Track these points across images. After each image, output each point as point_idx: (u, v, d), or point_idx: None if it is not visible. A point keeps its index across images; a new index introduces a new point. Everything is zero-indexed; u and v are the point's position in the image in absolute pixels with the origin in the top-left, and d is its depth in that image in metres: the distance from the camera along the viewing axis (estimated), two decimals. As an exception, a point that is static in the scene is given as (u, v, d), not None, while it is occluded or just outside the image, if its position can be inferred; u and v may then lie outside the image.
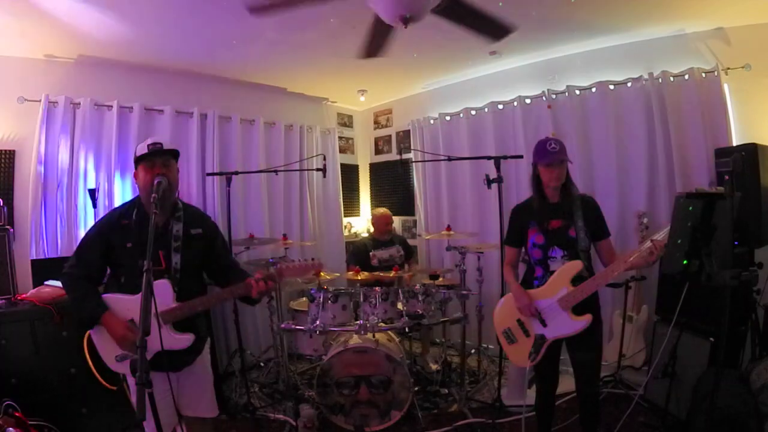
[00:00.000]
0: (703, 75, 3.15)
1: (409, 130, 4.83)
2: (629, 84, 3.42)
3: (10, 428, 2.01)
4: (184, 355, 1.77)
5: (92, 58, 3.34)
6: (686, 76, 3.19)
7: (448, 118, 4.42)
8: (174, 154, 1.82)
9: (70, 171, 3.23)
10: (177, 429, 1.76)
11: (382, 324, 2.80)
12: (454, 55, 3.85)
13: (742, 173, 2.49)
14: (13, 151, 3.09)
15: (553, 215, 2.12)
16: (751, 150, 2.57)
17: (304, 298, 3.32)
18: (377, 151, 5.42)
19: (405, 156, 4.51)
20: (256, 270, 1.88)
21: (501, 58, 3.93)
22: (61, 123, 3.18)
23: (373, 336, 2.86)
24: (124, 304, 1.71)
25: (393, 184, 5.21)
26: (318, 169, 3.38)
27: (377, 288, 2.91)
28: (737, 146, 2.83)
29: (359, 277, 3.23)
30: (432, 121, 4.56)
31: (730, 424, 1.98)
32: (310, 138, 4.75)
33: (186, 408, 1.87)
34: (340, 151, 5.19)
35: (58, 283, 2.61)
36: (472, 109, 4.23)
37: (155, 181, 1.65)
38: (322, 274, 3.16)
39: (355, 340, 2.90)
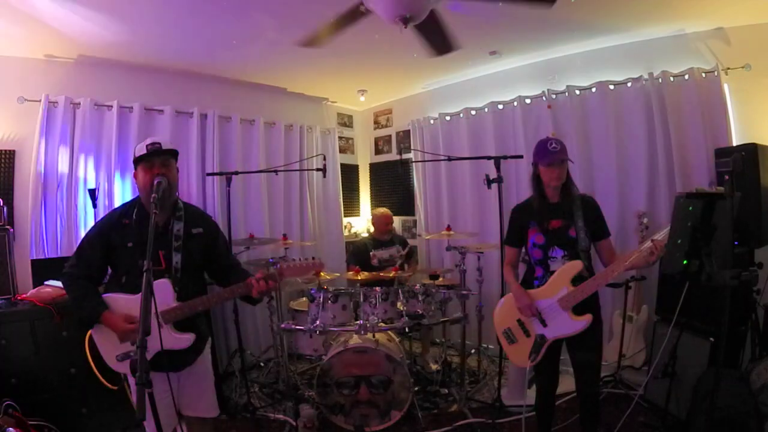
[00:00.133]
0: (703, 75, 3.15)
1: (409, 130, 4.83)
2: (629, 84, 3.42)
3: (10, 428, 2.01)
4: (186, 354, 1.77)
5: (92, 58, 3.34)
6: (686, 76, 3.19)
7: (448, 118, 4.42)
8: (173, 153, 1.82)
9: (70, 171, 3.23)
10: (177, 429, 1.76)
11: (382, 324, 2.80)
12: (454, 55, 3.80)
13: (742, 173, 2.49)
14: (13, 151, 3.09)
15: (553, 215, 2.12)
16: (751, 150, 2.57)
17: (304, 298, 3.32)
18: (377, 151, 5.42)
19: (405, 156, 4.51)
20: (256, 270, 1.88)
21: (501, 58, 3.93)
22: (61, 123, 3.18)
23: (373, 336, 2.86)
24: (125, 304, 1.71)
25: (393, 184, 5.21)
26: (318, 169, 3.38)
27: (377, 288, 2.91)
28: (737, 146, 2.83)
29: (359, 277, 3.23)
30: (432, 121, 4.56)
31: (730, 424, 1.98)
32: (310, 138, 4.75)
33: (187, 408, 1.87)
34: (340, 151, 5.19)
35: (58, 283, 2.62)
36: (472, 109, 4.23)
37: (155, 181, 1.65)
38: (322, 274, 3.16)
39: (355, 340, 2.90)
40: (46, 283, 2.70)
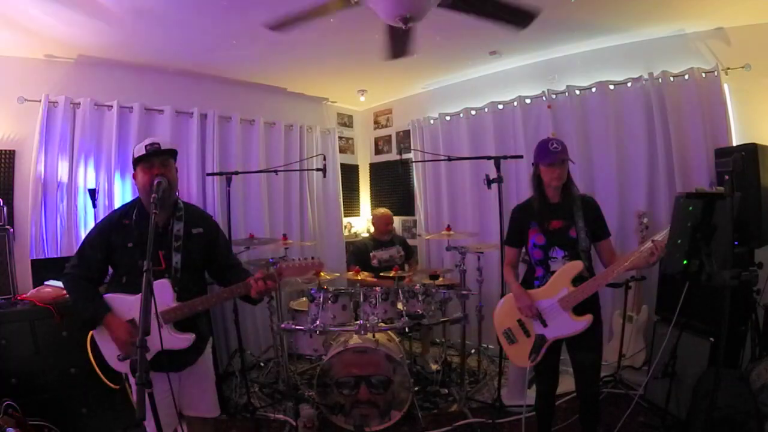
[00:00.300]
0: (703, 75, 3.15)
1: (409, 130, 4.83)
2: (629, 84, 3.42)
3: (10, 428, 2.01)
4: (187, 354, 1.77)
5: (92, 58, 3.34)
6: (686, 76, 3.19)
7: (448, 118, 4.42)
8: (172, 153, 1.82)
9: (70, 171, 3.23)
10: (178, 429, 1.76)
11: (382, 324, 2.80)
12: (454, 55, 3.85)
13: (742, 173, 2.48)
14: (13, 151, 3.09)
15: (553, 215, 2.12)
16: (751, 150, 2.57)
17: (304, 298, 3.32)
18: (377, 151, 5.42)
19: (405, 156, 4.51)
20: (256, 270, 1.88)
21: (501, 58, 3.93)
22: (61, 123, 3.18)
23: (373, 336, 2.86)
24: (126, 304, 1.72)
25: (393, 184, 5.21)
26: (318, 169, 3.38)
27: (377, 288, 2.91)
28: (737, 146, 2.83)
29: (359, 277, 3.23)
30: (432, 121, 4.56)
31: (730, 424, 1.98)
32: (310, 138, 4.75)
33: (187, 408, 1.87)
34: (340, 151, 5.19)
35: (59, 283, 2.62)
36: (472, 109, 4.23)
37: (155, 182, 1.66)
38: (322, 274, 3.16)
39: (355, 340, 2.90)
40: (46, 283, 2.71)
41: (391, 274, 3.27)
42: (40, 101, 3.10)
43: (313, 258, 1.93)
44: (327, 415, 2.81)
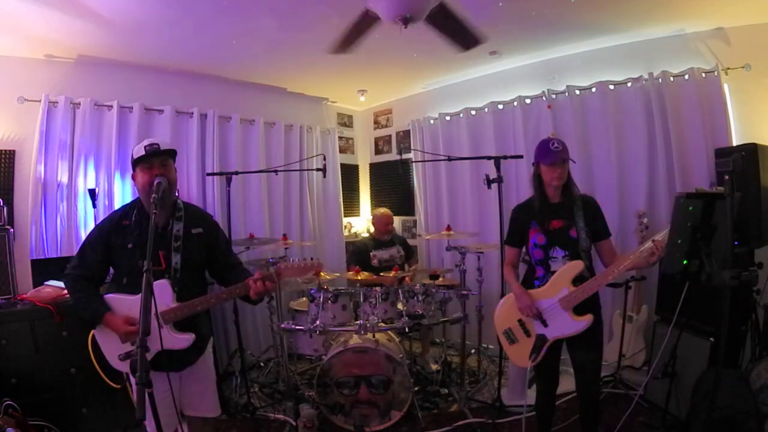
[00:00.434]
0: (703, 75, 3.15)
1: (409, 130, 4.83)
2: (629, 84, 3.42)
3: (10, 428, 2.01)
4: (187, 354, 1.78)
5: (92, 58, 3.34)
6: (686, 76, 3.19)
7: (448, 118, 4.42)
8: (171, 153, 1.82)
9: (70, 171, 3.23)
10: (178, 429, 1.76)
11: (382, 324, 2.80)
12: (454, 55, 3.82)
13: (742, 173, 2.48)
14: (13, 151, 3.09)
15: (554, 215, 2.12)
16: (751, 150, 2.57)
17: (304, 298, 3.32)
18: (377, 151, 5.42)
19: (405, 156, 4.51)
20: (256, 270, 1.88)
21: (501, 58, 3.93)
22: (61, 123, 3.18)
23: (373, 336, 2.86)
24: (126, 304, 1.72)
25: (393, 184, 5.21)
26: (318, 169, 3.38)
27: (377, 288, 2.91)
28: (737, 146, 2.83)
29: (359, 277, 3.23)
30: (432, 121, 4.56)
31: (730, 424, 1.98)
32: (310, 138, 4.75)
33: (188, 407, 1.88)
34: (340, 151, 5.19)
35: (59, 283, 2.62)
36: (472, 109, 4.23)
37: (155, 182, 1.66)
38: (322, 274, 3.16)
39: (355, 340, 2.90)
40: (46, 283, 2.71)
41: (391, 274, 3.27)
42: (40, 101, 3.10)
43: (312, 259, 1.93)
44: (327, 415, 2.82)
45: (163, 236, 1.78)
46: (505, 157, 2.97)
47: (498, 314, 2.27)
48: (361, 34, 2.52)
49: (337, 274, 3.50)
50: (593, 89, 3.57)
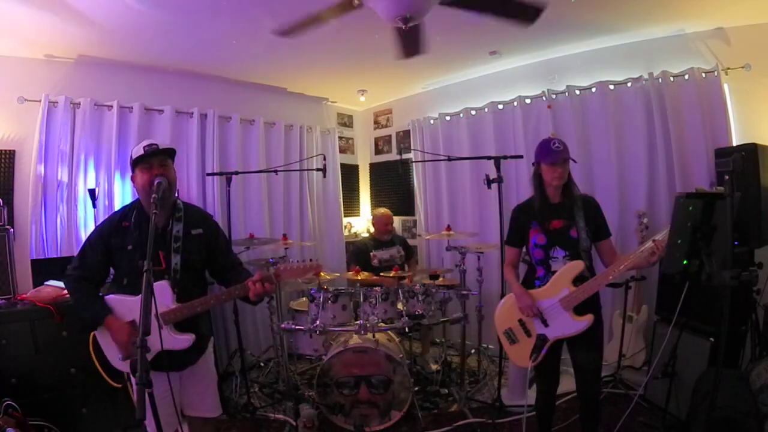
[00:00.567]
0: (703, 75, 3.15)
1: (409, 130, 4.83)
2: (629, 84, 3.42)
3: (10, 428, 2.01)
4: (188, 353, 1.78)
5: (92, 58, 3.34)
6: (686, 76, 3.19)
7: (448, 118, 4.42)
8: (170, 153, 1.82)
9: (70, 171, 3.23)
10: (179, 429, 1.76)
11: (382, 324, 2.80)
12: (454, 55, 3.85)
13: (742, 173, 2.48)
14: (13, 151, 3.09)
15: (554, 215, 2.12)
16: (751, 150, 2.57)
17: (304, 298, 3.32)
18: (377, 151, 5.42)
19: (405, 156, 4.51)
20: (256, 270, 1.88)
21: (501, 58, 3.93)
22: (61, 123, 3.18)
23: (373, 336, 2.86)
24: (127, 305, 1.73)
25: (393, 184, 5.21)
26: (318, 169, 3.38)
27: (377, 288, 2.91)
28: (737, 146, 2.83)
29: (359, 277, 3.23)
30: (432, 121, 4.56)
31: (730, 424, 1.98)
32: (310, 138, 4.75)
33: (188, 407, 1.88)
34: (340, 151, 5.19)
35: (59, 283, 2.62)
36: (472, 109, 4.23)
37: (155, 182, 1.66)
38: (322, 274, 3.16)
39: (355, 340, 2.90)
40: (46, 283, 2.71)
41: (391, 274, 3.27)
42: (40, 101, 3.10)
43: (311, 260, 1.93)
44: (327, 415, 2.81)
45: (163, 237, 1.78)
46: (505, 157, 2.96)
47: (498, 314, 2.27)
48: (417, 36, 2.47)
49: (337, 274, 3.51)
50: (593, 89, 3.57)
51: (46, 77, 3.22)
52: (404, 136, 5.02)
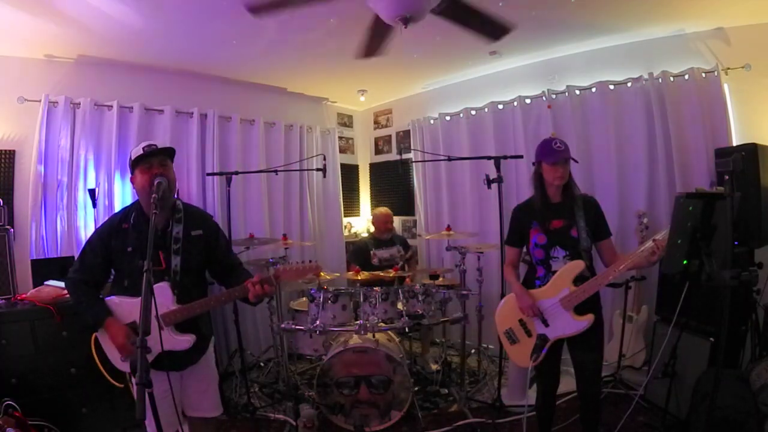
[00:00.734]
0: (703, 75, 3.15)
1: (409, 130, 4.83)
2: (629, 84, 3.42)
3: (10, 428, 2.01)
4: (189, 353, 1.78)
5: (92, 58, 3.33)
6: (686, 76, 3.20)
7: (448, 118, 4.42)
8: (170, 154, 1.82)
9: (70, 171, 3.23)
10: (179, 429, 1.76)
11: (382, 324, 2.80)
12: (454, 55, 3.85)
13: (742, 173, 2.48)
14: (13, 151, 3.09)
15: (554, 215, 2.12)
16: (751, 150, 2.57)
17: (304, 298, 3.32)
18: (377, 151, 5.42)
19: (405, 156, 4.51)
20: (256, 270, 1.88)
21: (501, 58, 3.93)
22: (61, 123, 3.18)
23: (373, 336, 2.86)
24: (127, 307, 1.73)
25: (393, 184, 5.21)
26: (318, 169, 3.38)
27: (377, 288, 2.91)
28: (737, 146, 2.82)
29: (359, 277, 3.23)
30: (432, 121, 4.56)
31: (730, 424, 1.98)
32: (310, 138, 4.75)
33: (189, 407, 1.89)
34: (340, 151, 5.19)
35: (59, 283, 2.62)
36: (472, 109, 4.23)
37: (155, 182, 1.66)
38: (322, 274, 3.16)
39: (355, 340, 2.90)
40: (46, 283, 2.70)
41: (391, 273, 3.27)
42: (40, 101, 3.10)
43: (311, 261, 1.93)
44: (327, 415, 2.82)
45: (163, 238, 1.77)
46: (505, 157, 2.97)
47: (499, 314, 2.27)
48: (382, 38, 2.50)
49: (337, 274, 3.51)
50: (593, 89, 3.57)
51: (46, 77, 3.22)
52: (404, 136, 5.02)
